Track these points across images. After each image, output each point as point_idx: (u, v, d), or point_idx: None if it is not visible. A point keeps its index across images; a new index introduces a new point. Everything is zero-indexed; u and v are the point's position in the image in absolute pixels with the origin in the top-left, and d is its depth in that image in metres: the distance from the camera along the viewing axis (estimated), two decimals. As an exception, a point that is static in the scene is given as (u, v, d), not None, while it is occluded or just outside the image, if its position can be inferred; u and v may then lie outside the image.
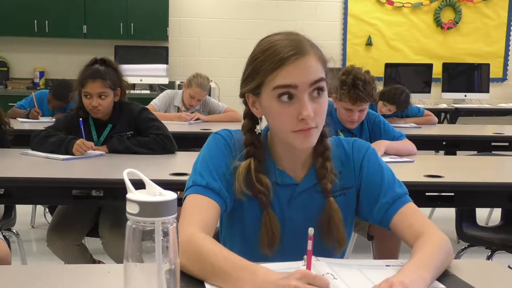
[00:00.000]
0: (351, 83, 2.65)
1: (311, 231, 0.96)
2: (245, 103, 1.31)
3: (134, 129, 2.76)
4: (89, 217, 2.68)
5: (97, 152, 2.66)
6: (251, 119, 1.31)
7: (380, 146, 2.69)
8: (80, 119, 2.66)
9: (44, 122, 3.83)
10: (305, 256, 1.12)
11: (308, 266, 0.99)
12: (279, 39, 1.22)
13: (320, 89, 1.20)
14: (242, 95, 1.30)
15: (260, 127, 1.30)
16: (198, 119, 4.22)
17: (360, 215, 1.36)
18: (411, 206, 1.28)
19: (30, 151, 2.65)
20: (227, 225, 1.37)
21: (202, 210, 1.20)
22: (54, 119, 3.87)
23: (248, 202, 1.28)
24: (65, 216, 2.63)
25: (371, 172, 1.33)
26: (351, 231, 1.41)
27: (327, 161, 1.30)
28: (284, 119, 1.20)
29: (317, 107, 1.19)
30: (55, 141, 2.61)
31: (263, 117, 1.29)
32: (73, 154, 2.55)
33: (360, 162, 1.34)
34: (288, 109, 1.19)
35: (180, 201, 1.06)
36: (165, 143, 2.72)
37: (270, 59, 1.19)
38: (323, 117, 1.23)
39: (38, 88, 6.24)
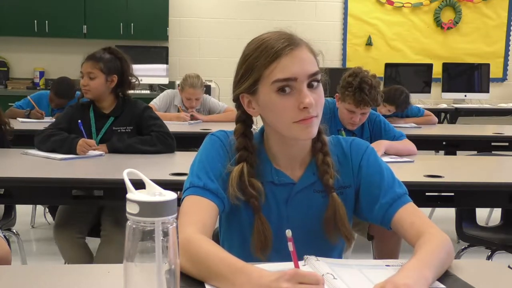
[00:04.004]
0: (358, 86, 2.65)
1: (288, 233, 0.97)
2: (237, 107, 1.32)
3: (135, 125, 2.78)
4: (90, 215, 2.68)
5: (97, 152, 2.66)
6: (243, 123, 1.31)
7: (380, 146, 2.69)
8: (79, 120, 2.67)
9: (44, 122, 3.83)
10: (305, 256, 1.12)
11: (296, 265, 0.98)
12: (269, 35, 1.24)
13: (317, 81, 1.22)
14: (235, 98, 1.30)
15: (255, 127, 1.31)
16: (195, 117, 4.22)
17: (360, 214, 1.36)
18: (411, 205, 1.28)
19: (30, 151, 2.65)
20: (225, 226, 1.37)
21: (200, 211, 1.20)
22: (54, 119, 3.87)
23: (244, 204, 1.28)
24: (68, 212, 2.64)
25: (371, 172, 1.32)
26: (351, 231, 1.41)
27: (327, 156, 1.31)
28: (285, 111, 1.20)
29: (316, 97, 1.21)
30: (57, 140, 2.63)
31: (257, 120, 1.29)
32: (76, 153, 2.57)
33: (359, 162, 1.34)
34: (289, 100, 1.20)
35: (179, 201, 1.06)
36: (166, 139, 2.77)
37: (264, 54, 1.21)
38: (322, 107, 1.24)
39: (38, 88, 6.25)
